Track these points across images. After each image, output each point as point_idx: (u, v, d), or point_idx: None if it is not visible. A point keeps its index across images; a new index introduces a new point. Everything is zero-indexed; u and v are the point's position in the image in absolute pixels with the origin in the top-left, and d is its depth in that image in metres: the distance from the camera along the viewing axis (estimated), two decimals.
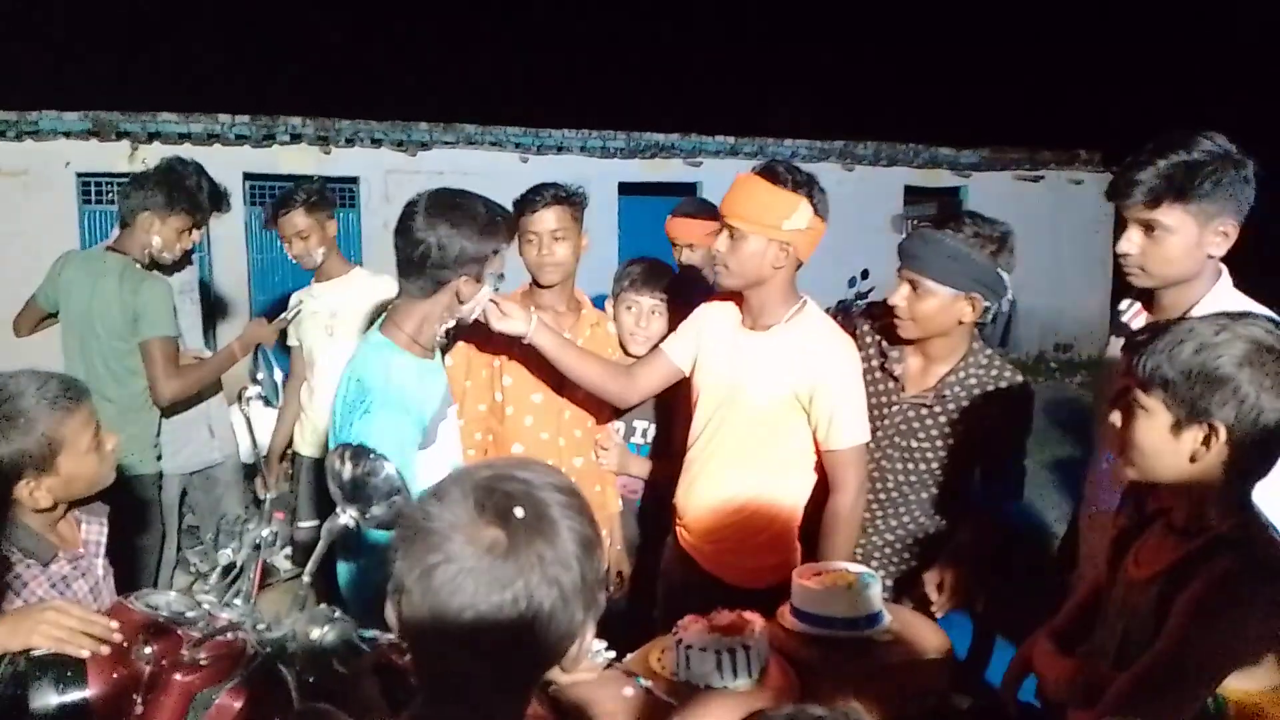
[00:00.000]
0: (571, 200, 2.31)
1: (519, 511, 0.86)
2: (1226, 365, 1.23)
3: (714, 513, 2.17)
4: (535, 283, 2.38)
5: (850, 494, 2.05)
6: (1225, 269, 1.78)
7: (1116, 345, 1.93)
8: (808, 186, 1.99)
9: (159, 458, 3.00)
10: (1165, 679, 1.26)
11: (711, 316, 2.22)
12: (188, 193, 2.91)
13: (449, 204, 1.86)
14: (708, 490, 2.17)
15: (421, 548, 0.85)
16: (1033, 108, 9.62)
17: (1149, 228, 1.72)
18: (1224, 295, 1.74)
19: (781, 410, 2.06)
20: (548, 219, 2.27)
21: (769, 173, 1.98)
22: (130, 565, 2.85)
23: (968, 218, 2.03)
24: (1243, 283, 1.80)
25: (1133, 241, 1.75)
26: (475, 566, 0.83)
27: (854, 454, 2.05)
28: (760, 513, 2.13)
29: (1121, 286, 2.00)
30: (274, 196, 8.67)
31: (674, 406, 2.41)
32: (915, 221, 9.40)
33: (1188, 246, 1.70)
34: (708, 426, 2.16)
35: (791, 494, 2.14)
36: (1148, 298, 1.84)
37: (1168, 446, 1.29)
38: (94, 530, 1.72)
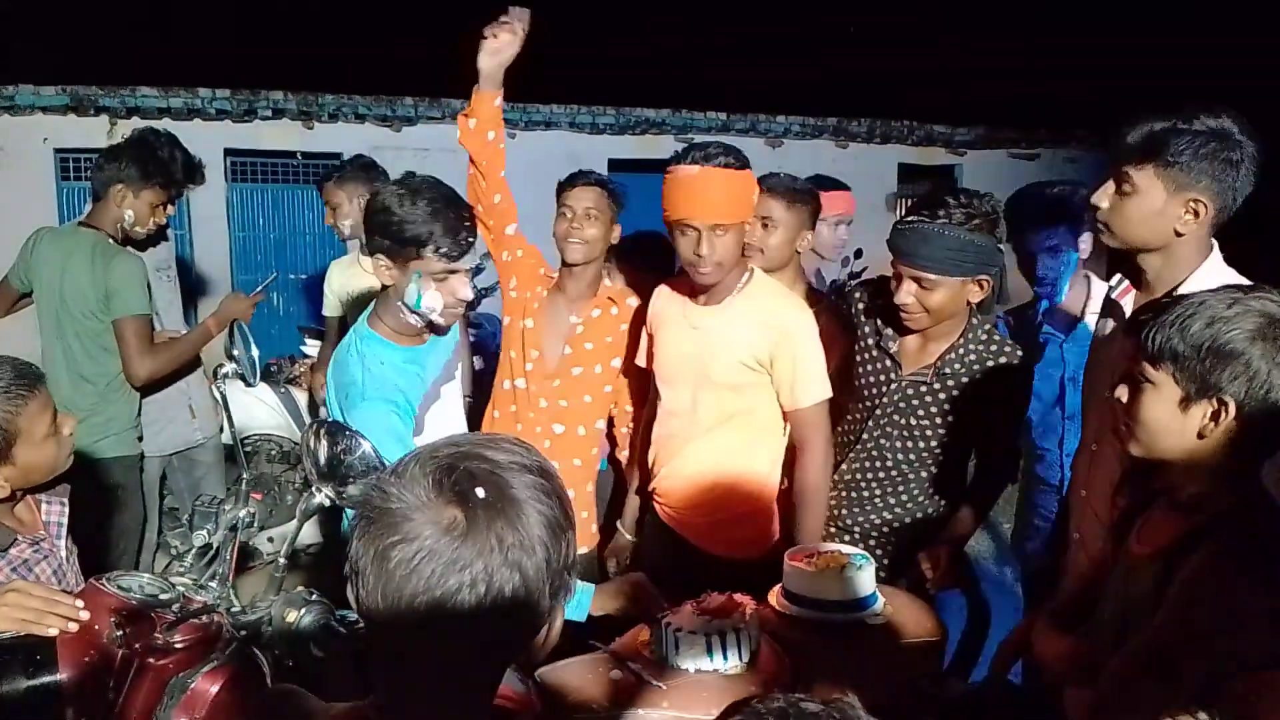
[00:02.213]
0: (610, 187, 2.43)
1: (480, 491, 0.81)
2: (1238, 339, 1.20)
3: (693, 487, 2.18)
4: (562, 261, 2.45)
5: (818, 455, 2.08)
6: (1216, 245, 1.73)
7: (1105, 325, 1.90)
8: (745, 159, 2.04)
9: (140, 439, 2.95)
10: (1160, 657, 1.24)
11: (658, 306, 2.26)
12: (161, 165, 2.83)
13: (409, 181, 1.83)
14: (685, 466, 2.19)
15: (378, 528, 0.81)
16: (1029, 85, 9.54)
17: (1121, 183, 1.67)
18: (1214, 272, 1.68)
19: (747, 377, 2.09)
20: (584, 196, 2.39)
21: (724, 163, 1.98)
22: (111, 549, 2.82)
23: (953, 199, 1.97)
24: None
25: (1105, 194, 1.70)
26: (433, 548, 0.79)
27: (817, 411, 2.09)
28: (740, 483, 2.15)
29: (1113, 265, 1.96)
30: (255, 172, 8.56)
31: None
32: (909, 201, 9.35)
33: (1150, 211, 1.63)
34: (675, 406, 2.18)
35: (766, 461, 2.18)
36: (1136, 275, 1.80)
37: (1175, 423, 1.26)
38: (55, 511, 1.67)
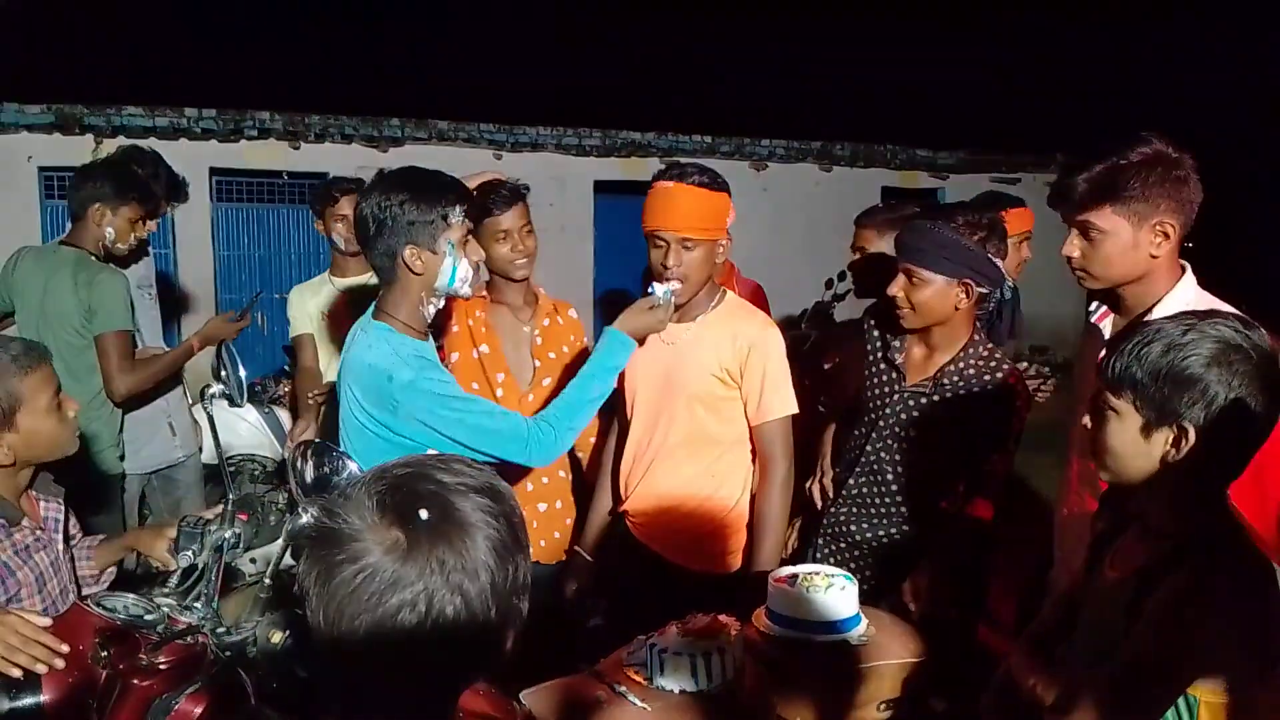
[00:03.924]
0: (524, 195, 2.41)
1: (423, 513, 0.81)
2: (1195, 365, 1.22)
3: (665, 503, 2.19)
4: (505, 278, 2.42)
5: (779, 475, 2.11)
6: (1189, 266, 1.79)
7: (1085, 348, 1.94)
8: (724, 182, 2.10)
9: (121, 457, 2.93)
10: (1131, 682, 1.26)
11: None
12: (137, 182, 2.83)
13: (387, 176, 1.86)
14: (657, 482, 2.20)
15: (323, 548, 0.81)
16: (1011, 110, 9.70)
17: (1086, 231, 1.74)
18: (1187, 293, 1.74)
19: (717, 389, 2.13)
20: (515, 215, 2.37)
21: (698, 181, 2.05)
22: None
23: (957, 209, 2.10)
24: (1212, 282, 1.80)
25: (1074, 245, 1.77)
26: (375, 568, 0.79)
27: (781, 426, 2.12)
28: (711, 498, 2.17)
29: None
30: (241, 192, 8.52)
31: None
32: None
33: (1124, 247, 1.71)
34: (649, 422, 2.21)
35: (737, 477, 2.20)
36: (1113, 298, 1.85)
37: (1139, 449, 1.28)
38: (53, 509, 1.74)
